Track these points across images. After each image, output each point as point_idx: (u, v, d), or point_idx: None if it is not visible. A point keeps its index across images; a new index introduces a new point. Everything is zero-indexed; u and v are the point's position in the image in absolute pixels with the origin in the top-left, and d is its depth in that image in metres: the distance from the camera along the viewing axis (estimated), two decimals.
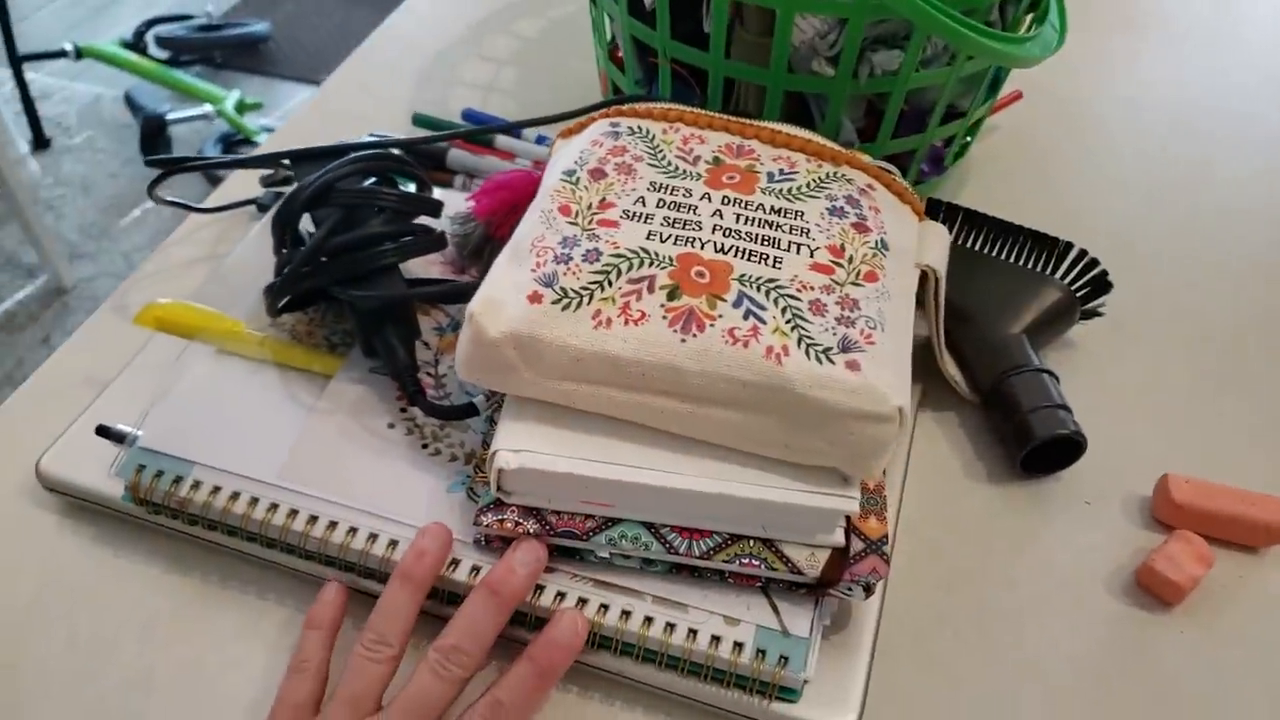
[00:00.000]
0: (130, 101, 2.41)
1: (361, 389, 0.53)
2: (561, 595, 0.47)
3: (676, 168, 0.52)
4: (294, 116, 0.82)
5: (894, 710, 0.48)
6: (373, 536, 0.48)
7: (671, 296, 0.45)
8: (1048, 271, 0.62)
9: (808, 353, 0.43)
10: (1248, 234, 0.74)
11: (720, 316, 0.44)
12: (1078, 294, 0.61)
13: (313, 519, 0.48)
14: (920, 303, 0.54)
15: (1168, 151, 0.82)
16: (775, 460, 0.46)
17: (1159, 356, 0.65)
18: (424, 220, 0.56)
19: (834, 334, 0.44)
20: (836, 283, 0.47)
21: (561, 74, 0.87)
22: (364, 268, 0.51)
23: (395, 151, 0.56)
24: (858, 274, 0.48)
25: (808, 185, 0.52)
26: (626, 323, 0.44)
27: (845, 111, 0.64)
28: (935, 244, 0.54)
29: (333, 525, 0.48)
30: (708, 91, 0.64)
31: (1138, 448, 0.59)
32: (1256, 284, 0.70)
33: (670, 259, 0.46)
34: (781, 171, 0.52)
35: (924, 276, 0.54)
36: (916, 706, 0.48)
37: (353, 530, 0.48)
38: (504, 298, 0.45)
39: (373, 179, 0.54)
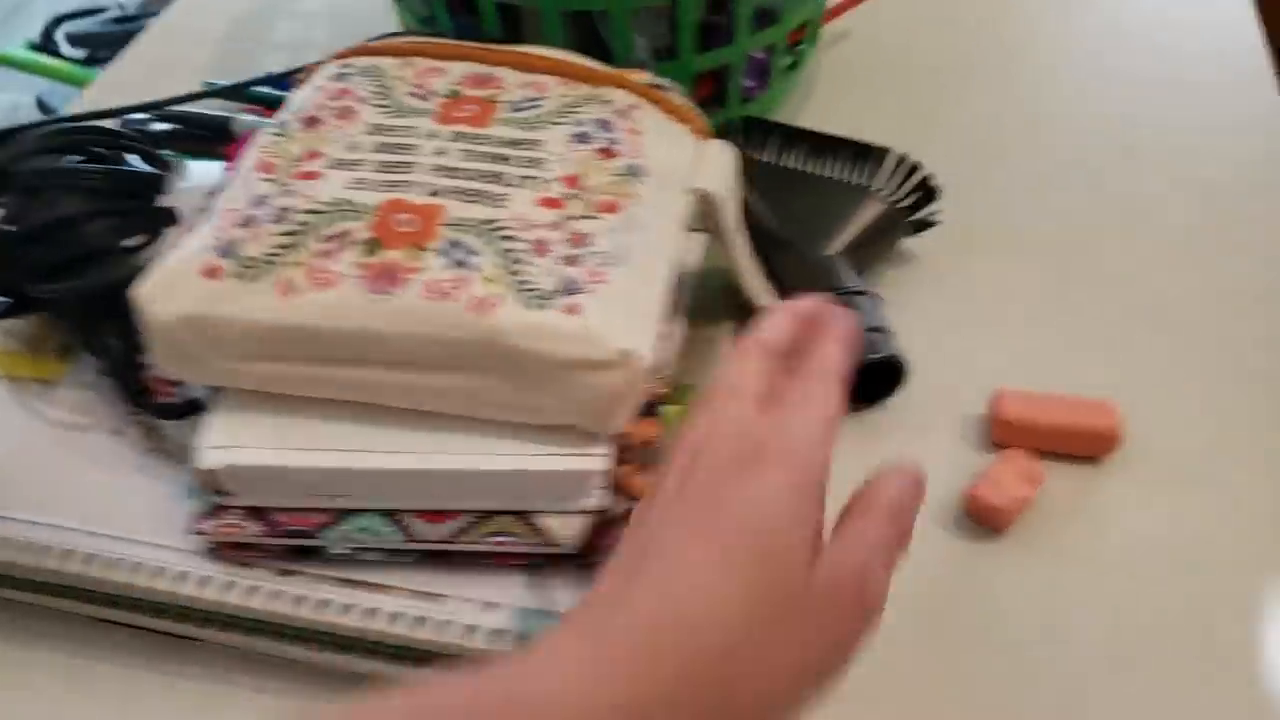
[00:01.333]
0: (42, 107, 2.33)
1: (89, 394, 0.48)
2: (301, 599, 0.42)
3: (404, 106, 0.46)
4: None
5: None
6: (89, 559, 0.43)
7: (368, 252, 0.40)
8: (868, 183, 0.56)
9: (522, 300, 0.38)
10: (1100, 142, 0.67)
11: (422, 269, 0.39)
12: (901, 204, 0.55)
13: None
14: (712, 231, 0.48)
15: (1024, 56, 0.75)
16: (512, 425, 0.40)
17: (1004, 268, 0.59)
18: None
19: (555, 276, 0.39)
20: (567, 217, 0.41)
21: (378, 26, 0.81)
22: (59, 256, 0.45)
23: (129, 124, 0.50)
24: (593, 205, 0.42)
25: (554, 112, 0.46)
26: (315, 288, 0.39)
27: (640, 29, 0.58)
28: (716, 165, 0.48)
29: (45, 550, 0.43)
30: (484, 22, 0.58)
31: (977, 366, 0.53)
32: (1105, 191, 0.64)
33: (371, 209, 0.41)
34: (528, 99, 0.47)
35: (707, 202, 0.48)
36: None
37: (68, 553, 0.43)
38: (175, 276, 0.40)
39: (88, 155, 0.48)
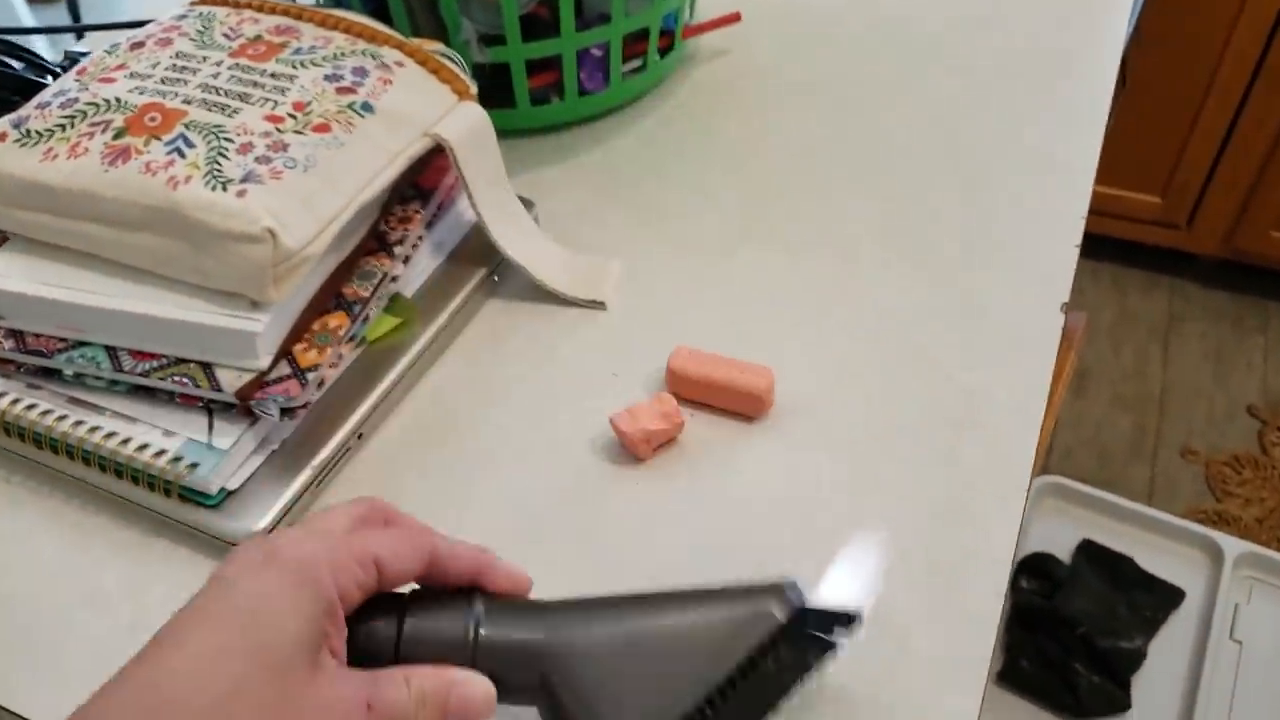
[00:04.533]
0: None
1: None
2: (33, 406, 0.52)
3: (211, 42, 0.57)
4: None
5: None
6: None
7: (117, 136, 0.50)
8: None
9: (207, 183, 0.48)
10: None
11: (148, 152, 0.49)
12: None
13: None
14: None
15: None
16: (204, 290, 0.50)
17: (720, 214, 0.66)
18: None
19: (243, 169, 0.49)
20: (279, 130, 0.51)
21: None
22: None
23: None
24: (308, 125, 0.51)
25: (324, 58, 0.56)
26: (70, 157, 0.50)
27: (472, 15, 0.68)
28: (462, 121, 0.57)
29: None
30: None
31: (672, 322, 0.61)
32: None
33: (134, 107, 0.51)
34: (311, 47, 0.57)
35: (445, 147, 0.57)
36: None
37: None
38: None
39: None
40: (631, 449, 0.53)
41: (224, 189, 0.48)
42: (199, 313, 0.49)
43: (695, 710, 0.38)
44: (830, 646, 0.40)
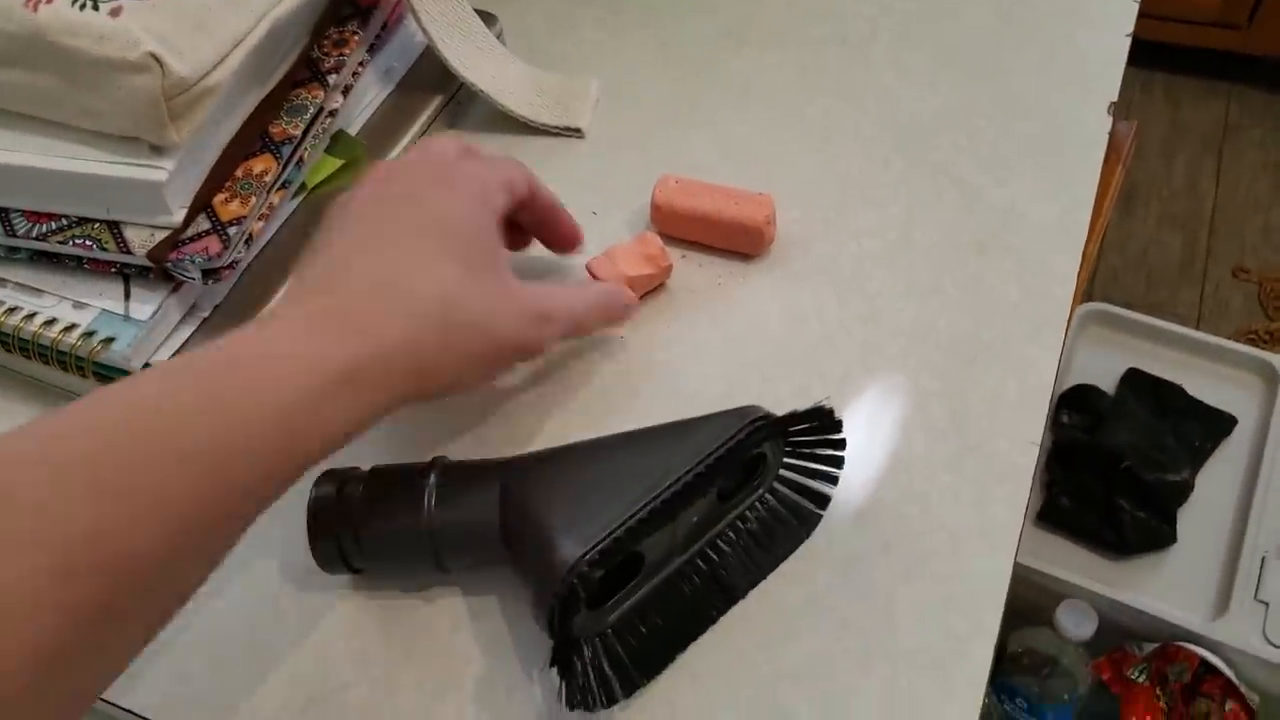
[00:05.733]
0: None
1: None
2: None
3: None
4: None
5: None
6: None
7: None
8: None
9: (74, 2, 0.40)
10: None
11: None
12: None
13: None
14: None
15: None
16: (101, 136, 0.43)
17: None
18: None
19: None
20: None
21: None
22: None
23: None
24: None
25: None
26: None
27: None
28: None
29: None
30: None
31: (659, 147, 0.53)
32: None
33: None
34: None
35: None
36: None
37: None
38: None
39: None
40: None
41: (94, 8, 0.40)
42: (91, 162, 0.42)
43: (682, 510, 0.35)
44: (834, 453, 0.38)
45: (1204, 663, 0.83)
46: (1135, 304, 1.54)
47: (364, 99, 0.53)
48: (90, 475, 0.26)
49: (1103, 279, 1.59)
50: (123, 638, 0.27)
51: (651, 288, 0.47)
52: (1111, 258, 1.62)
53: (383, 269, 0.33)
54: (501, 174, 0.39)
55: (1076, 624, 0.85)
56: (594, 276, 0.46)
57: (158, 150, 0.42)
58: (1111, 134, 0.53)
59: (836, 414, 0.36)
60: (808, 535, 0.38)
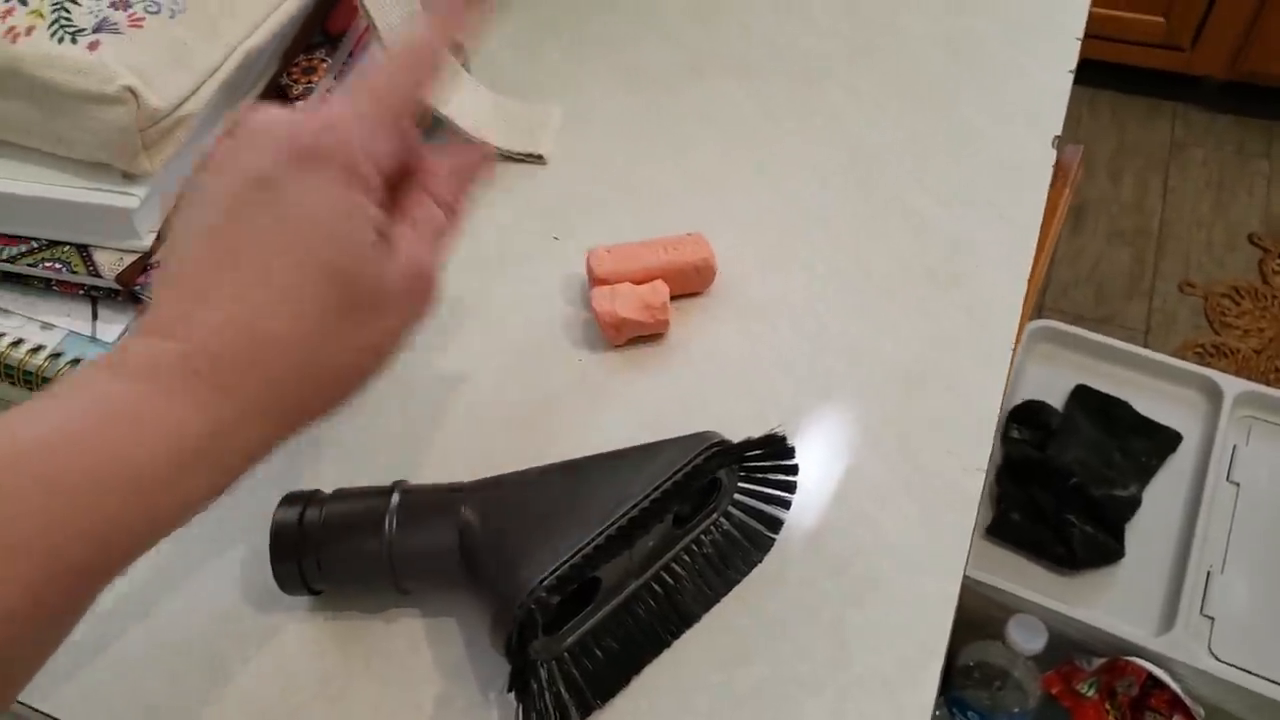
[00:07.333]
0: None
1: None
2: None
3: None
4: None
5: None
6: None
7: None
8: None
9: (53, 34, 0.41)
10: None
11: None
12: None
13: None
14: None
15: None
16: (72, 162, 0.43)
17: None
18: None
19: (96, 16, 0.41)
20: None
21: None
22: None
23: None
24: None
25: None
26: None
27: None
28: None
29: None
30: None
31: (618, 172, 0.54)
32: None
33: None
34: None
35: None
36: None
37: None
38: None
39: None
40: (601, 329, 0.47)
41: (73, 41, 0.41)
42: (63, 188, 0.43)
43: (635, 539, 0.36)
44: (787, 478, 0.39)
45: (1151, 677, 0.86)
46: (1085, 317, 1.58)
47: None
48: None
49: (1053, 293, 1.63)
50: None
51: (642, 334, 0.48)
52: (1062, 272, 1.66)
53: (238, 308, 0.29)
54: (369, 125, 0.32)
55: (1027, 638, 0.87)
56: (591, 278, 0.47)
57: (129, 177, 0.43)
58: (1059, 158, 0.55)
59: (790, 441, 0.38)
60: (761, 559, 0.40)
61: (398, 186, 0.33)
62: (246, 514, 0.41)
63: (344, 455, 0.43)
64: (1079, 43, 0.60)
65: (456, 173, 0.35)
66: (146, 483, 0.26)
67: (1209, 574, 0.90)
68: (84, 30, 0.41)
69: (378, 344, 0.32)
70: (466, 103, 0.55)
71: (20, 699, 0.37)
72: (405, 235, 0.32)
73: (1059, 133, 0.55)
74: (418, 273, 0.32)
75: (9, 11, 0.41)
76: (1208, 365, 1.10)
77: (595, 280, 0.48)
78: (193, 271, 0.30)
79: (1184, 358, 1.22)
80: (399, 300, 0.32)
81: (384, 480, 0.39)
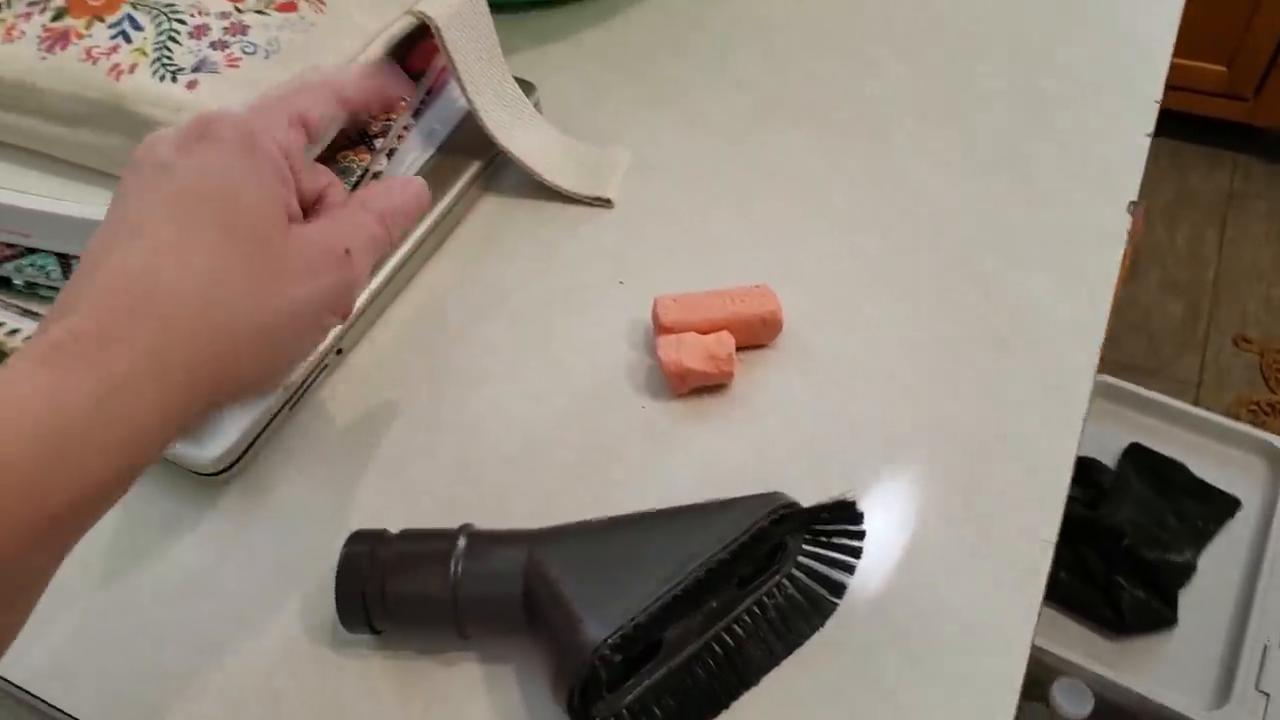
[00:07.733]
0: None
1: None
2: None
3: None
4: None
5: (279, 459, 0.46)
6: None
7: (56, 17, 0.44)
8: None
9: (155, 72, 0.42)
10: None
11: (89, 36, 0.43)
12: None
13: None
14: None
15: None
16: None
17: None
18: None
19: (196, 56, 0.43)
20: (239, 9, 0.45)
21: None
22: None
23: None
24: (270, 3, 0.45)
25: None
26: (5, 41, 0.44)
27: None
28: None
29: None
30: None
31: (685, 218, 0.55)
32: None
33: None
34: None
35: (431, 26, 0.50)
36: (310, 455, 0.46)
37: None
38: None
39: None
40: (666, 378, 0.47)
41: (173, 79, 0.42)
42: None
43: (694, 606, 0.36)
44: (853, 543, 0.39)
45: None
46: (1136, 367, 1.56)
47: (405, 160, 0.55)
48: None
49: (1104, 342, 1.61)
50: None
51: (706, 385, 0.48)
52: (1113, 321, 1.64)
53: (124, 264, 0.29)
54: (280, 110, 0.35)
55: (1073, 703, 0.86)
56: (657, 325, 0.47)
57: None
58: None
59: (859, 507, 0.38)
60: (823, 624, 0.40)
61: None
62: (312, 550, 0.41)
63: (407, 500, 0.44)
64: (1157, 105, 0.60)
65: (390, 193, 0.37)
66: (24, 467, 0.24)
67: (1265, 648, 0.89)
68: (184, 69, 0.42)
69: (294, 311, 0.31)
70: (535, 143, 0.56)
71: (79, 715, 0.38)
72: (323, 218, 0.34)
73: (1134, 198, 0.55)
74: (327, 249, 0.33)
75: (114, 49, 0.42)
76: (1263, 423, 1.08)
77: (661, 329, 0.48)
78: (90, 254, 0.30)
79: (1237, 415, 1.20)
80: (305, 271, 0.32)
81: (442, 518, 0.40)
